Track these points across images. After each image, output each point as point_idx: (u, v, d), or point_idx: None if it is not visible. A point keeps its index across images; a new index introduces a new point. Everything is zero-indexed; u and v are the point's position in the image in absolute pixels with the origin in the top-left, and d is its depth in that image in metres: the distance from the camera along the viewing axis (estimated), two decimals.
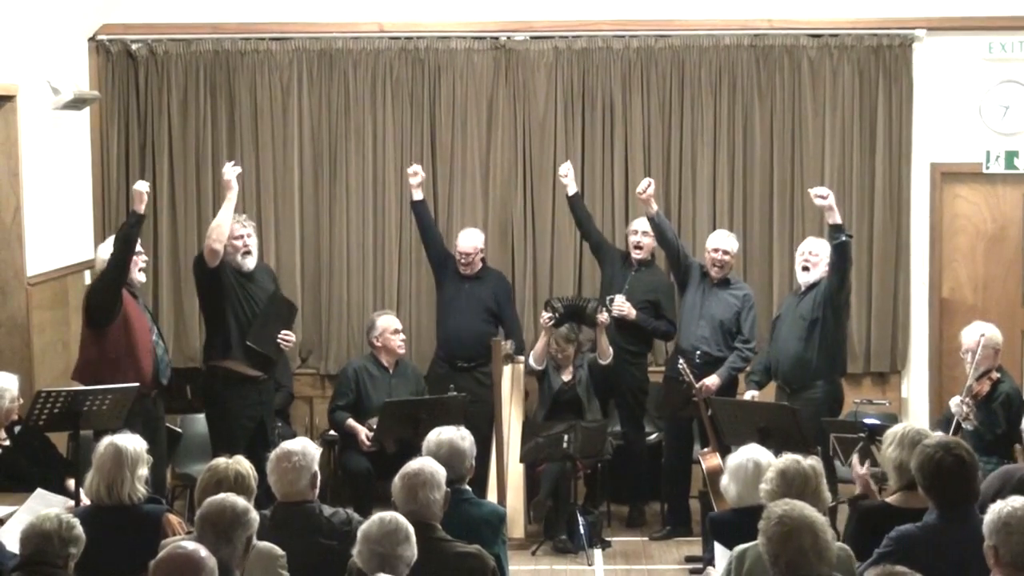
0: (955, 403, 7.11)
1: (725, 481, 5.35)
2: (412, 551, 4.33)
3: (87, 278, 8.73)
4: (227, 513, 4.34)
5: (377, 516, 4.38)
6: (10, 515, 5.85)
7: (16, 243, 7.73)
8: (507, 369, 8.33)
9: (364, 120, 9.07)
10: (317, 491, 5.18)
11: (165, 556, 3.99)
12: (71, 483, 6.35)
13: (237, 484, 4.88)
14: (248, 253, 7.63)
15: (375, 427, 7.83)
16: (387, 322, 8.30)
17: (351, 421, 8.06)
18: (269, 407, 7.83)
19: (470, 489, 5.49)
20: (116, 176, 9.04)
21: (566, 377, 8.32)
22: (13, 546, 5.00)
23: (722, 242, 8.14)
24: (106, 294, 7.14)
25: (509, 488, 7.98)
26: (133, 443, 5.27)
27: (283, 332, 7.68)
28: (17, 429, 6.53)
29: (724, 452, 6.76)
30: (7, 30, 7.64)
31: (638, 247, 8.38)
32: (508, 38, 9.04)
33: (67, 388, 6.64)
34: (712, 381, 7.90)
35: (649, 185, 8.04)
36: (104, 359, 7.14)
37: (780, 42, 8.99)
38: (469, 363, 8.37)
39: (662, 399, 8.34)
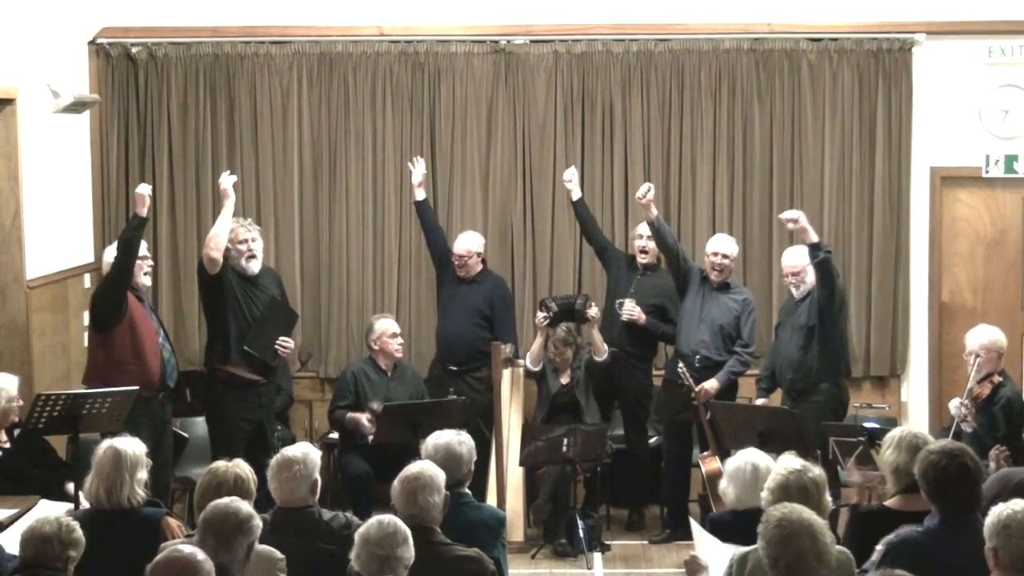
0: (954, 405, 7.11)
1: (724, 484, 5.36)
2: (411, 553, 4.34)
3: (87, 281, 8.74)
4: (230, 519, 4.33)
5: (375, 519, 4.39)
6: (9, 517, 5.86)
7: (16, 246, 7.73)
8: (507, 373, 8.33)
9: (364, 124, 9.07)
10: (317, 496, 5.18)
11: (162, 560, 3.99)
12: (70, 486, 6.36)
13: (237, 487, 4.87)
14: (252, 257, 7.66)
15: (374, 407, 7.82)
16: (385, 325, 8.30)
17: (351, 414, 8.05)
18: (269, 411, 7.84)
19: (470, 493, 5.49)
20: (116, 179, 9.04)
21: (564, 380, 8.32)
22: (13, 548, 5.00)
23: (721, 246, 8.14)
24: (111, 297, 7.16)
25: (509, 491, 7.98)
26: (132, 446, 5.27)
27: (281, 338, 7.68)
28: (16, 432, 6.53)
29: (723, 456, 6.75)
30: (7, 33, 7.64)
31: (643, 251, 8.38)
32: (508, 42, 9.05)
33: (66, 391, 6.65)
34: (711, 385, 7.90)
35: (649, 190, 8.04)
36: (111, 362, 7.17)
37: (780, 46, 8.99)
38: (460, 367, 8.36)
39: (661, 403, 8.34)
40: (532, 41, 9.05)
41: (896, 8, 8.98)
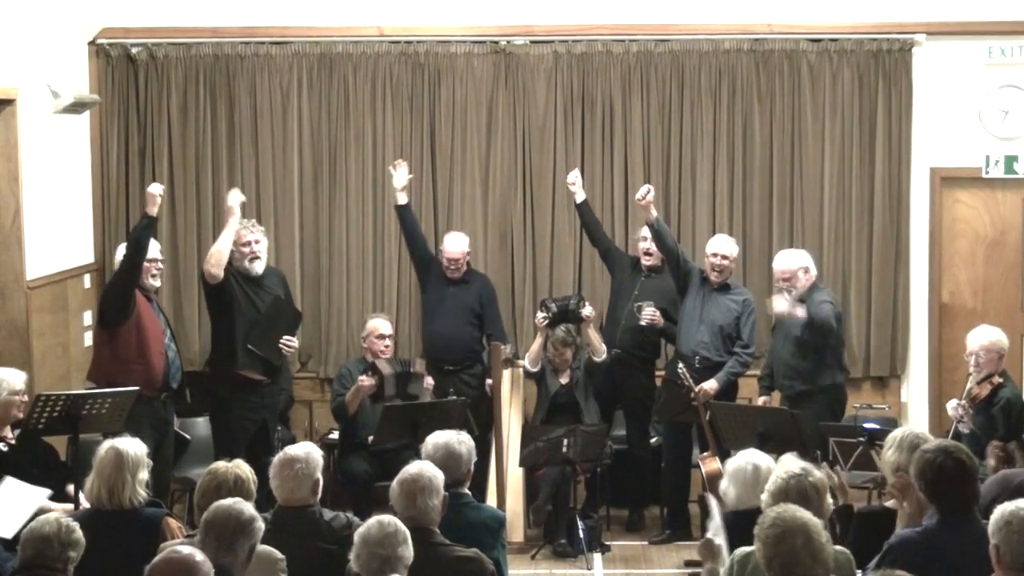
0: (951, 406, 7.11)
1: (724, 484, 5.36)
2: (410, 552, 4.35)
3: (87, 282, 8.74)
4: (232, 521, 4.32)
5: (374, 519, 4.39)
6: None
7: (16, 246, 7.73)
8: (506, 373, 8.34)
9: (364, 124, 9.07)
10: (319, 496, 5.19)
11: (160, 560, 3.97)
12: (70, 488, 6.35)
13: (236, 488, 4.87)
14: (256, 259, 7.69)
15: (381, 368, 7.85)
16: (374, 325, 8.31)
17: (349, 396, 8.03)
18: (273, 411, 7.87)
19: (469, 493, 5.49)
20: (116, 180, 9.04)
21: (563, 380, 8.32)
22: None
23: (721, 247, 8.14)
24: (118, 295, 7.20)
25: (508, 492, 7.98)
26: (133, 447, 5.27)
27: (285, 337, 7.69)
28: (16, 432, 6.52)
29: (723, 456, 6.75)
30: (7, 34, 7.64)
31: (648, 253, 8.37)
32: (508, 42, 9.05)
33: (66, 391, 6.65)
34: (710, 385, 7.89)
35: (648, 192, 8.03)
36: (115, 360, 7.20)
37: (780, 46, 8.99)
38: (455, 366, 8.37)
39: (661, 403, 8.34)
40: (532, 41, 9.05)
41: (896, 9, 8.98)
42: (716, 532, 5.19)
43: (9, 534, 5.63)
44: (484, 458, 7.65)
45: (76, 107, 8.31)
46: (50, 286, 8.12)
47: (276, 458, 5.17)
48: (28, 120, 7.84)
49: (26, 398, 6.55)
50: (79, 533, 4.53)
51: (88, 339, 8.63)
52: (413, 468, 4.96)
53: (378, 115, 9.07)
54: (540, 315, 8.28)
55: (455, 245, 8.44)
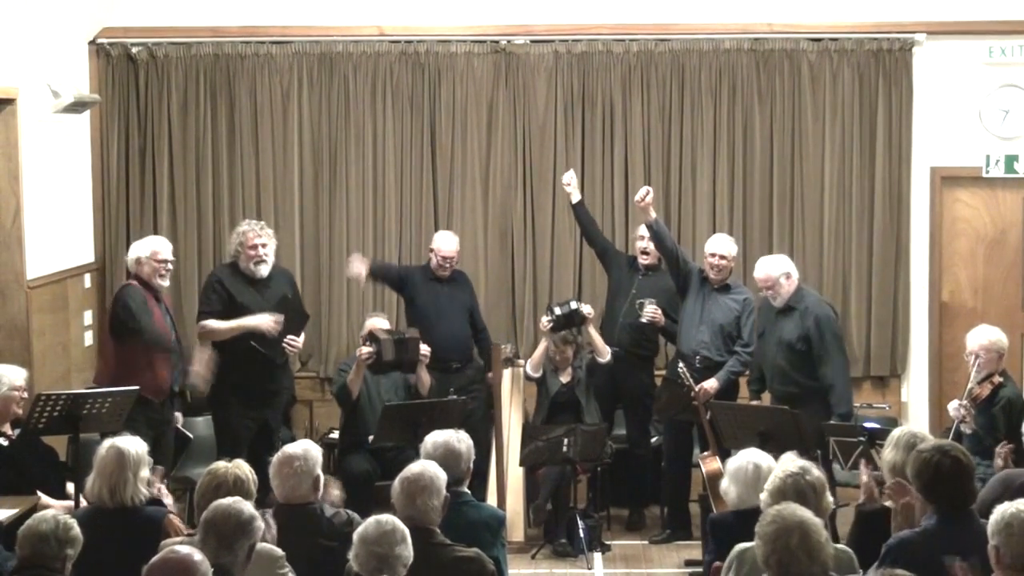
0: (953, 407, 7.10)
1: (725, 483, 5.36)
2: (409, 552, 4.34)
3: (87, 281, 8.75)
4: (232, 520, 4.32)
5: (373, 519, 4.39)
6: (10, 518, 5.85)
7: (16, 246, 7.73)
8: (507, 373, 8.34)
9: (364, 124, 9.07)
10: (320, 493, 5.19)
11: (158, 560, 3.97)
12: (70, 487, 6.36)
13: (236, 488, 4.87)
14: (261, 262, 7.72)
15: (371, 336, 7.88)
16: (370, 323, 8.29)
17: (351, 375, 8.02)
18: (276, 411, 7.88)
19: (469, 492, 5.50)
20: (116, 179, 9.04)
21: (564, 379, 8.31)
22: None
23: (719, 247, 8.12)
24: (131, 330, 7.21)
25: (509, 491, 7.98)
26: (134, 445, 5.27)
27: (289, 337, 7.69)
28: (16, 432, 6.52)
29: (724, 456, 6.75)
30: (8, 33, 7.64)
31: (645, 252, 8.37)
32: (508, 42, 9.05)
33: (66, 391, 6.65)
34: (711, 385, 7.89)
35: (648, 193, 8.03)
36: (122, 367, 7.23)
37: (780, 46, 8.99)
38: (460, 364, 8.39)
39: (662, 402, 8.34)
40: (532, 41, 9.04)
41: (896, 8, 8.98)
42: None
43: None
44: (483, 454, 7.73)
45: (76, 106, 8.31)
46: (50, 286, 8.12)
47: (275, 458, 5.18)
48: (28, 119, 7.84)
49: (26, 394, 6.56)
50: (77, 530, 4.52)
51: (88, 339, 8.64)
52: (415, 467, 4.96)
53: (378, 115, 9.07)
54: (544, 319, 8.25)
55: (450, 244, 8.43)
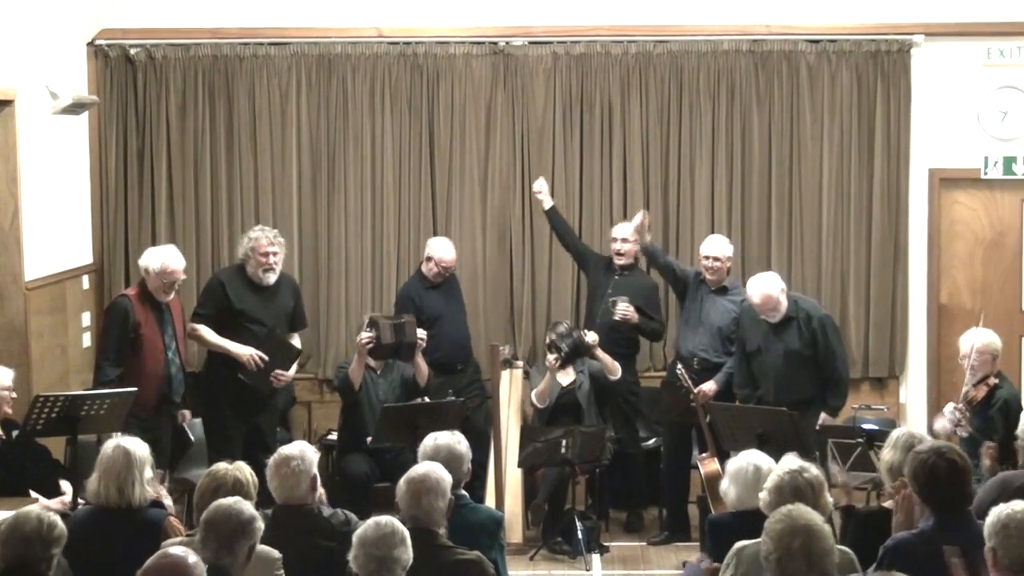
0: (949, 410, 7.09)
1: (725, 484, 5.37)
2: (408, 554, 4.33)
3: (85, 283, 8.74)
4: (232, 521, 4.32)
5: (372, 520, 4.38)
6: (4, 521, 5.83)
7: (14, 247, 7.73)
8: (505, 374, 8.34)
9: (363, 125, 9.07)
10: (318, 493, 5.19)
11: (153, 563, 3.94)
12: (68, 487, 6.35)
13: (236, 490, 4.86)
14: (270, 270, 7.76)
15: (370, 322, 7.91)
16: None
17: (353, 364, 8.02)
18: (271, 413, 7.87)
19: (467, 494, 5.49)
20: (114, 181, 9.03)
21: (565, 381, 8.30)
22: None
23: (713, 249, 8.12)
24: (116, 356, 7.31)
25: (507, 493, 7.97)
26: (138, 446, 5.27)
27: (277, 372, 7.71)
28: (15, 433, 6.52)
29: (722, 457, 6.76)
30: (6, 34, 7.64)
31: (620, 253, 8.41)
32: (507, 43, 9.05)
33: (65, 392, 6.65)
34: (709, 387, 7.90)
35: (645, 217, 8.10)
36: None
37: (778, 48, 9.00)
38: (464, 365, 8.48)
39: (662, 405, 8.34)
40: (531, 43, 9.04)
41: (895, 10, 8.98)
42: None
43: None
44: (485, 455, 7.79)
45: (75, 108, 8.31)
46: (48, 287, 8.12)
47: (271, 460, 5.19)
48: (27, 121, 7.83)
49: (15, 394, 6.55)
50: (61, 527, 4.42)
51: (87, 340, 8.64)
52: (421, 468, 4.97)
53: (377, 116, 9.06)
54: (551, 358, 8.19)
55: (450, 252, 8.44)
